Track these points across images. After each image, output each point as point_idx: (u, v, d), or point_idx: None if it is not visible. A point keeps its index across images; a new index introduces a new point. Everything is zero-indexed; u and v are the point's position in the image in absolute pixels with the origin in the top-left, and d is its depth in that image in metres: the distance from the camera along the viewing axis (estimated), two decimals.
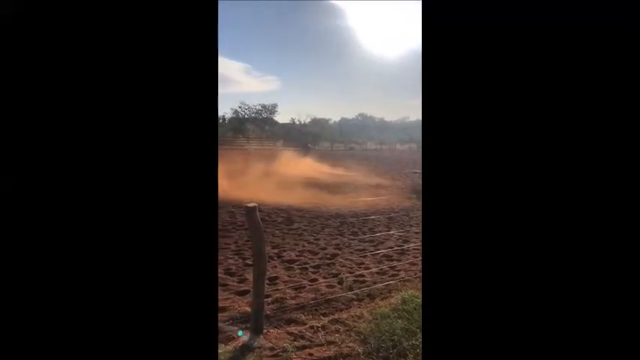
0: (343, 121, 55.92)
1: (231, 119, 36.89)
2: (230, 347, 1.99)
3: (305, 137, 33.77)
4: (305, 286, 2.96)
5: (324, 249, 4.07)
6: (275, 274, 3.21)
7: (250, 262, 3.44)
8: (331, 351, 1.97)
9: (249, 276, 3.10)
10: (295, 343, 2.03)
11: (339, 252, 3.96)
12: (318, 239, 4.49)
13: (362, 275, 3.22)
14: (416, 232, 4.79)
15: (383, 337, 2.05)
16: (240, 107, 36.88)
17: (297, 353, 1.95)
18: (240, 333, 2.15)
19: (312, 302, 2.63)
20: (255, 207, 2.03)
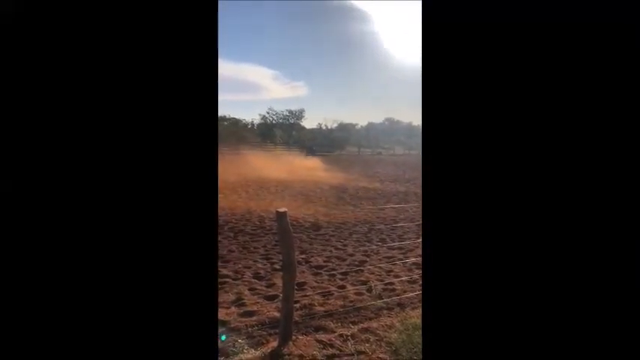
0: (370, 126, 55.47)
1: (260, 125, 37.67)
2: (259, 352, 1.99)
3: (331, 141, 33.86)
4: (333, 293, 2.92)
5: (351, 255, 4.02)
6: (303, 280, 3.20)
7: (278, 267, 3.45)
8: None
9: (277, 281, 3.11)
10: (324, 351, 2.00)
11: (368, 259, 3.89)
12: (345, 245, 4.44)
13: (391, 283, 3.14)
14: None
15: (415, 350, 1.97)
16: (268, 113, 37.59)
17: None
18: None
19: (340, 309, 2.59)
20: (285, 212, 2.03)
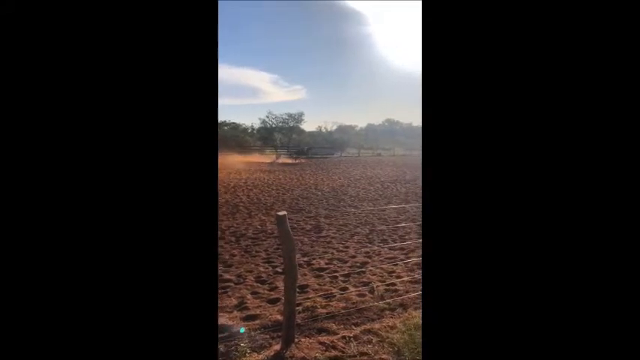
0: (370, 127, 55.60)
1: (260, 129, 37.70)
2: (262, 356, 2.00)
3: (331, 144, 33.82)
4: (335, 295, 2.92)
5: (353, 257, 4.02)
6: (305, 283, 3.20)
7: (280, 270, 3.46)
8: None
9: (280, 284, 3.12)
10: (327, 353, 2.00)
11: (369, 260, 3.89)
12: (347, 247, 4.44)
13: (393, 284, 3.14)
14: None
15: (418, 350, 1.98)
16: (267, 117, 37.58)
17: None
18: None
19: (342, 311, 2.60)
20: (285, 215, 2.04)
